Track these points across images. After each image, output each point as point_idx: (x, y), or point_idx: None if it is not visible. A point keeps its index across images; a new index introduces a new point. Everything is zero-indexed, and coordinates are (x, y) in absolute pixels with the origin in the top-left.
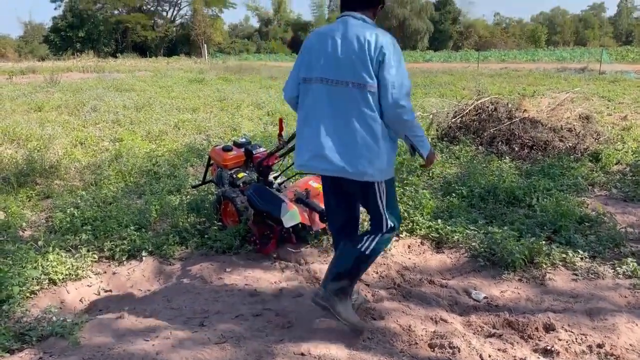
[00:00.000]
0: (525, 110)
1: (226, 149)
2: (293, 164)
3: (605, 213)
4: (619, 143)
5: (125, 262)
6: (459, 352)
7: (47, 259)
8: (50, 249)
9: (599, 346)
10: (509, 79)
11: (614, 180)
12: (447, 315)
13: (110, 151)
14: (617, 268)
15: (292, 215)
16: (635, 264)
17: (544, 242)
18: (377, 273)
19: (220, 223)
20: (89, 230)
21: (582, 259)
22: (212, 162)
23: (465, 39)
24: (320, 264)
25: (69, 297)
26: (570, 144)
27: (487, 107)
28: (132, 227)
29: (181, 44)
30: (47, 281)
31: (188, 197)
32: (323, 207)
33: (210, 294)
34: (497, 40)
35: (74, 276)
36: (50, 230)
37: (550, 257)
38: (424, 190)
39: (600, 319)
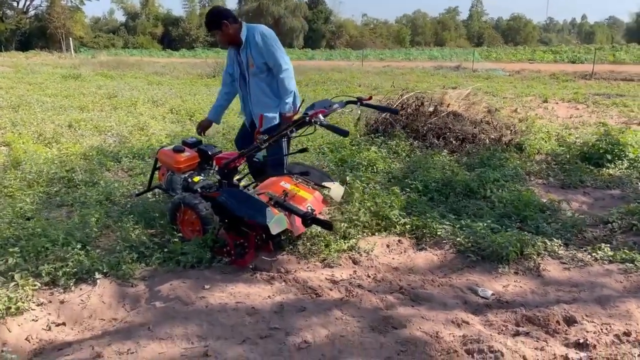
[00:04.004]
0: (449, 105)
1: (177, 150)
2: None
3: (561, 201)
4: (531, 134)
5: (73, 288)
6: (502, 356)
7: None
8: None
9: (626, 334)
10: (394, 76)
11: (545, 169)
12: (465, 316)
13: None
14: (593, 254)
15: (279, 221)
16: (608, 249)
17: (527, 233)
18: (369, 276)
19: (179, 234)
20: (16, 252)
21: (558, 247)
22: (159, 165)
23: (337, 38)
24: (305, 272)
25: (11, 337)
26: (493, 136)
27: (413, 102)
28: (77, 246)
29: (36, 37)
30: None
31: (128, 206)
32: (304, 210)
33: (199, 317)
34: (366, 40)
35: (13, 310)
36: None
37: (535, 247)
38: (394, 187)
39: (612, 307)
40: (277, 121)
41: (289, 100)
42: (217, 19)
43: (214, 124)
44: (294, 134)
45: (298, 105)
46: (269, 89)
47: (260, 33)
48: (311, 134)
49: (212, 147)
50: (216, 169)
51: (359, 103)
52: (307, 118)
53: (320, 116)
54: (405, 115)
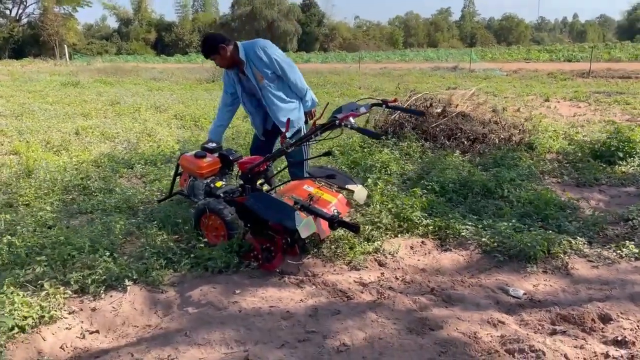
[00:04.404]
0: (457, 105)
1: (199, 156)
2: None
3: (579, 199)
4: (539, 133)
5: (103, 295)
6: (544, 355)
7: (13, 302)
8: (5, 288)
9: None
10: (393, 78)
11: (558, 168)
12: (500, 316)
13: (11, 166)
14: (618, 251)
15: (308, 224)
16: (632, 246)
17: (550, 232)
18: (398, 278)
19: (205, 239)
20: (43, 260)
21: (583, 245)
22: (180, 171)
23: (330, 40)
24: (332, 275)
25: (46, 346)
26: (503, 136)
27: (421, 103)
28: (107, 253)
29: (30, 45)
30: (15, 329)
31: (148, 212)
32: (330, 213)
33: (235, 322)
34: (359, 42)
35: (47, 319)
36: None
37: (561, 246)
38: (415, 188)
39: None
40: (303, 120)
41: (308, 97)
42: (214, 44)
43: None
44: (318, 137)
45: (316, 100)
46: (284, 94)
47: (260, 48)
48: (337, 136)
49: (233, 152)
50: (239, 173)
51: (384, 105)
52: (337, 121)
53: (351, 119)
54: (414, 116)
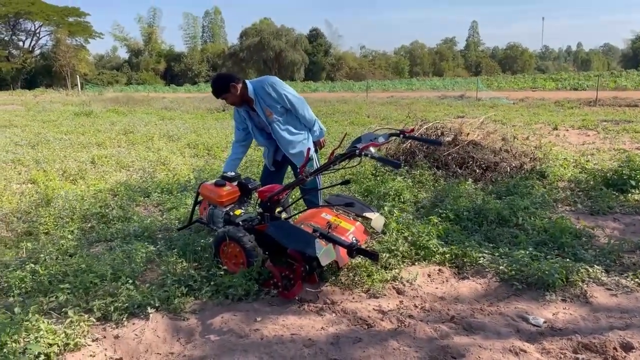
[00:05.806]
0: (468, 134)
1: (219, 185)
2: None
3: (595, 227)
4: (550, 161)
5: (125, 323)
6: None
7: (39, 330)
8: (30, 315)
9: None
10: (400, 106)
11: (570, 196)
12: (521, 344)
13: (30, 195)
14: (636, 280)
15: (328, 252)
16: None
17: (567, 260)
18: (417, 306)
19: (224, 267)
20: (66, 288)
21: (600, 273)
22: (199, 199)
23: (337, 70)
24: (352, 303)
25: None
26: (514, 164)
27: (433, 132)
28: (129, 281)
29: (42, 75)
30: (41, 357)
31: (167, 239)
32: (348, 241)
33: (258, 350)
34: (366, 72)
35: (72, 346)
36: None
37: (579, 274)
38: (432, 216)
39: None
40: (313, 149)
41: (316, 127)
42: (225, 83)
43: None
44: (336, 166)
45: (324, 129)
46: (292, 127)
47: (269, 85)
48: (356, 165)
49: (252, 181)
50: (258, 202)
51: (402, 135)
52: (357, 151)
53: (372, 149)
54: (425, 144)
